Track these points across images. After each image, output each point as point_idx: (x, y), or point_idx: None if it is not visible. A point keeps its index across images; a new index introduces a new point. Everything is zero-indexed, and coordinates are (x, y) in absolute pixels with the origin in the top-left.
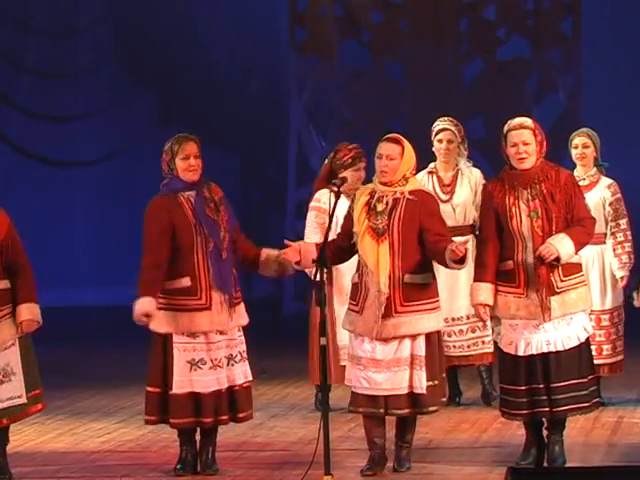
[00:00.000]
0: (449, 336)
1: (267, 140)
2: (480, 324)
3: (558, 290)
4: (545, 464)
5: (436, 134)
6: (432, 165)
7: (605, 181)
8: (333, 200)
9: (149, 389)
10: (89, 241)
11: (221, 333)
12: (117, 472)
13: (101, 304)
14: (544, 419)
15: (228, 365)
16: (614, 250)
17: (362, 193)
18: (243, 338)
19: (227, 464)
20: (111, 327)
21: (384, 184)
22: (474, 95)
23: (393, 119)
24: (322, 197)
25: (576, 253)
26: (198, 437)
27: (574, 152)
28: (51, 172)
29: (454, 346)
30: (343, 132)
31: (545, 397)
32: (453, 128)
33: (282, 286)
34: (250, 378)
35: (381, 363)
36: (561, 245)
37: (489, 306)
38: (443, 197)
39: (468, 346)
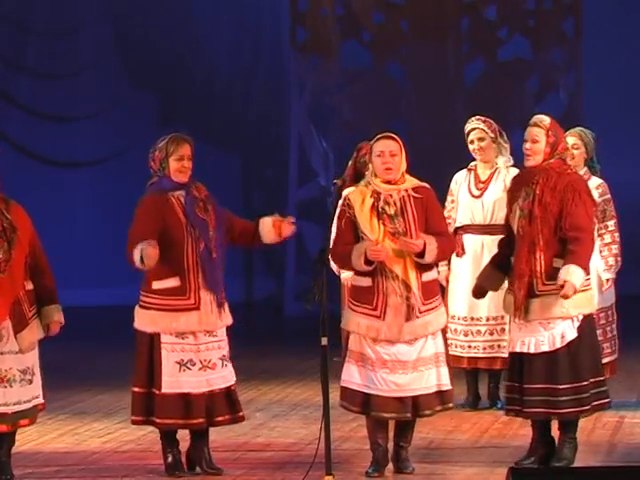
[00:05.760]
0: (465, 335)
1: (268, 140)
2: (499, 328)
3: (538, 292)
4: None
5: (467, 135)
6: (473, 163)
7: (594, 181)
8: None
9: (135, 389)
10: (89, 241)
11: (210, 334)
12: (118, 472)
13: (101, 304)
14: (553, 419)
15: (222, 366)
16: (600, 252)
17: (362, 197)
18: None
19: (228, 464)
20: (111, 327)
21: (388, 182)
22: (475, 95)
23: (394, 119)
24: None
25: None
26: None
27: None
28: (51, 172)
29: (469, 346)
30: (344, 132)
31: (518, 395)
32: (482, 125)
33: (283, 286)
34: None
35: (407, 364)
36: (573, 277)
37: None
38: (475, 193)
39: (484, 348)
